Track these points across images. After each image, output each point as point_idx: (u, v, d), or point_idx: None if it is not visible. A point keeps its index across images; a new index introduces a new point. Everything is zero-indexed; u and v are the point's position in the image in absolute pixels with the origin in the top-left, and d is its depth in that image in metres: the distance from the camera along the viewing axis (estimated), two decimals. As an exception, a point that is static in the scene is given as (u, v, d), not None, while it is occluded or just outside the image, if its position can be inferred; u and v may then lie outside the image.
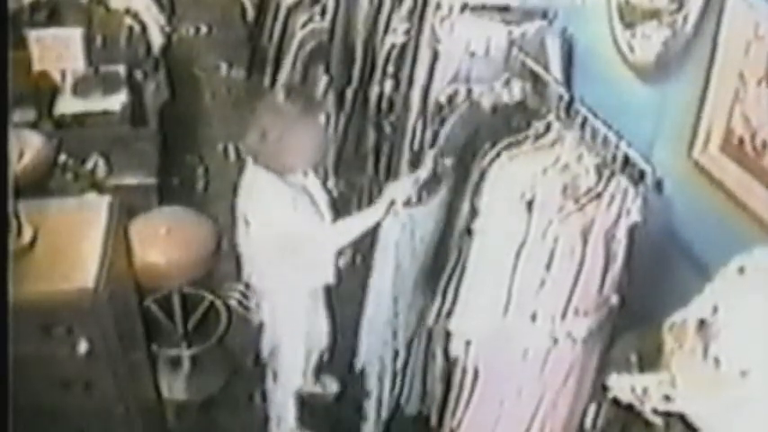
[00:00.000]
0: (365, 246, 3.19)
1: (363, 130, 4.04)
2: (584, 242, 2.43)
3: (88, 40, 4.28)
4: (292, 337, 3.24)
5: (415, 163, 3.25)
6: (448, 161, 2.93)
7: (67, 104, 4.38)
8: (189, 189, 4.92)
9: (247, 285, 3.26)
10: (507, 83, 2.97)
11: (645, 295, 2.49)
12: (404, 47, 3.58)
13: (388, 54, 3.67)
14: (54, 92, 4.41)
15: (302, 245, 2.94)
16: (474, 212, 2.64)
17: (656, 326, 1.93)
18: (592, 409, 2.47)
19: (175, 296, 3.71)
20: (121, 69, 4.56)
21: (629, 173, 2.44)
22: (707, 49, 2.30)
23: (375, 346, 3.23)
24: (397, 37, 3.60)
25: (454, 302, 2.73)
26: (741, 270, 1.79)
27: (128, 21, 4.61)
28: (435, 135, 3.09)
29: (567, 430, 2.76)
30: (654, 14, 2.54)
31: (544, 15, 3.14)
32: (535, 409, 2.73)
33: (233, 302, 4.04)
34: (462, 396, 2.79)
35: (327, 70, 4.23)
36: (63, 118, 4.34)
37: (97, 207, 2.69)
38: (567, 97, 2.68)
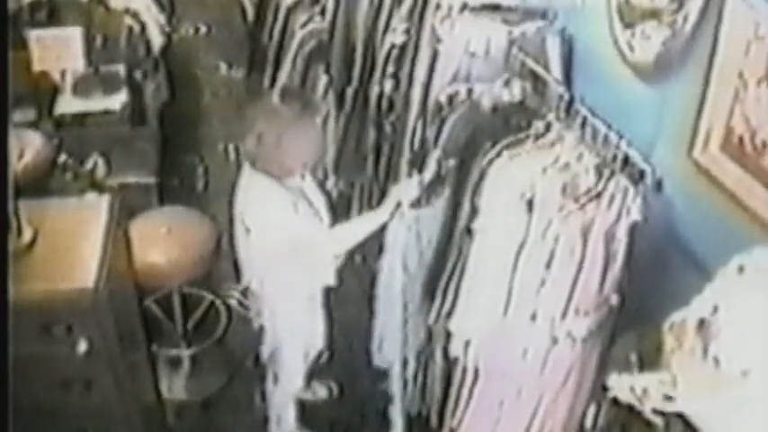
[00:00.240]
0: (365, 246, 3.18)
1: (363, 129, 4.04)
2: (585, 242, 2.43)
3: (88, 40, 4.28)
4: (292, 340, 3.24)
5: (416, 163, 3.24)
6: (452, 162, 2.93)
7: (67, 104, 4.38)
8: (189, 189, 4.91)
9: (247, 289, 3.25)
10: (507, 83, 2.97)
11: (645, 295, 2.49)
12: (404, 47, 3.57)
13: (388, 54, 3.67)
14: (54, 92, 4.40)
15: (304, 249, 2.93)
16: (474, 212, 2.64)
17: (656, 325, 1.93)
18: (592, 408, 2.48)
19: (175, 296, 3.71)
20: (121, 69, 4.55)
21: (629, 172, 2.44)
22: (707, 49, 2.30)
23: (390, 352, 3.23)
24: (397, 37, 3.60)
25: (454, 302, 2.73)
26: (741, 270, 1.79)
27: (128, 21, 4.60)
28: (435, 135, 3.09)
29: (567, 430, 2.76)
30: (654, 14, 2.54)
31: (544, 15, 3.14)
32: (535, 408, 2.73)
33: (233, 302, 4.04)
34: (462, 396, 2.79)
35: (327, 70, 4.23)
36: (63, 118, 4.33)
37: (97, 207, 2.69)
38: (567, 97, 2.68)
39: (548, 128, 2.64)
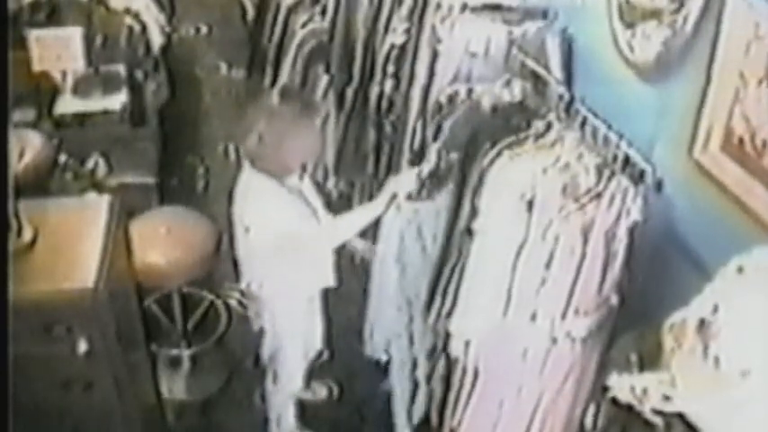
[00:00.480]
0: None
1: (363, 129, 4.04)
2: (585, 242, 2.43)
3: (88, 40, 4.28)
4: (292, 342, 3.24)
5: (416, 162, 3.24)
6: (453, 155, 2.93)
7: (67, 104, 4.38)
8: (189, 189, 4.92)
9: (247, 289, 3.25)
10: (507, 83, 2.97)
11: (645, 295, 2.49)
12: (404, 46, 3.57)
13: (388, 54, 3.67)
14: (54, 92, 4.41)
15: (302, 245, 2.93)
16: (474, 212, 2.64)
17: (655, 326, 1.93)
18: (591, 408, 2.47)
19: (175, 296, 3.71)
20: (121, 69, 4.56)
21: (629, 172, 2.44)
22: (707, 49, 2.30)
23: (381, 341, 3.20)
24: (397, 37, 3.60)
25: (454, 302, 2.73)
26: (741, 270, 1.79)
27: (128, 21, 4.61)
28: (435, 135, 3.09)
29: (567, 430, 2.76)
30: (654, 14, 2.54)
31: (544, 15, 3.14)
32: (535, 408, 2.73)
33: (233, 302, 4.04)
34: (462, 396, 2.79)
35: (327, 70, 4.23)
36: (63, 118, 4.34)
37: (97, 207, 2.69)
38: (567, 97, 2.68)
39: (548, 128, 2.64)
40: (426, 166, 2.98)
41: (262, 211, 2.92)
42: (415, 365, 3.19)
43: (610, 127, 2.50)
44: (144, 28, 4.69)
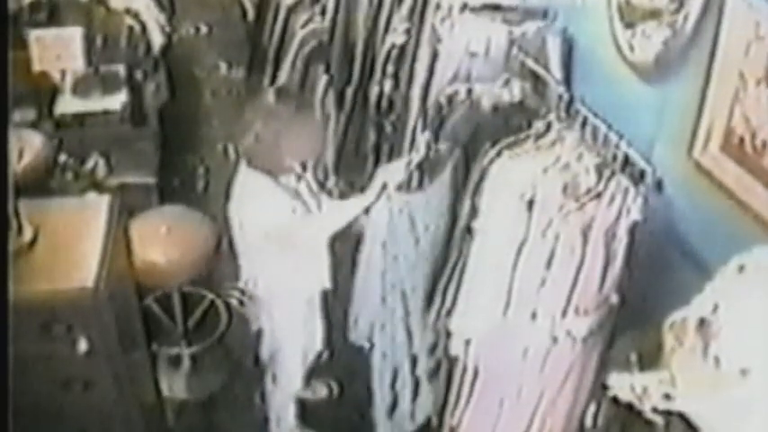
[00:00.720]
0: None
1: (363, 129, 4.04)
2: (585, 241, 2.44)
3: (88, 40, 4.28)
4: (291, 343, 3.24)
5: (424, 164, 3.24)
6: (443, 146, 2.92)
7: (67, 104, 4.38)
8: (189, 189, 4.91)
9: (245, 290, 3.25)
10: (507, 83, 2.97)
11: (645, 294, 2.49)
12: (404, 46, 3.58)
13: (388, 54, 3.67)
14: (54, 92, 4.40)
15: (293, 239, 2.92)
16: (474, 212, 2.64)
17: (656, 325, 1.93)
18: (592, 408, 2.47)
19: (175, 295, 3.71)
20: (121, 69, 4.55)
21: (629, 172, 2.44)
22: (707, 49, 2.30)
23: (366, 329, 3.17)
24: (397, 36, 3.60)
25: (454, 302, 2.73)
26: (741, 269, 1.79)
27: (128, 21, 4.60)
28: (435, 134, 3.09)
29: (567, 429, 2.76)
30: (654, 14, 2.54)
31: (544, 15, 3.14)
32: (535, 407, 2.73)
33: (233, 302, 4.03)
34: (462, 395, 2.79)
35: (327, 70, 4.23)
36: (63, 118, 4.33)
37: (97, 207, 2.69)
38: (566, 97, 2.68)
39: (548, 128, 2.64)
40: (416, 156, 2.97)
41: (254, 207, 2.93)
42: (414, 363, 3.17)
43: (610, 127, 2.50)
44: (144, 28, 4.69)
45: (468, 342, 2.70)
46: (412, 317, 3.07)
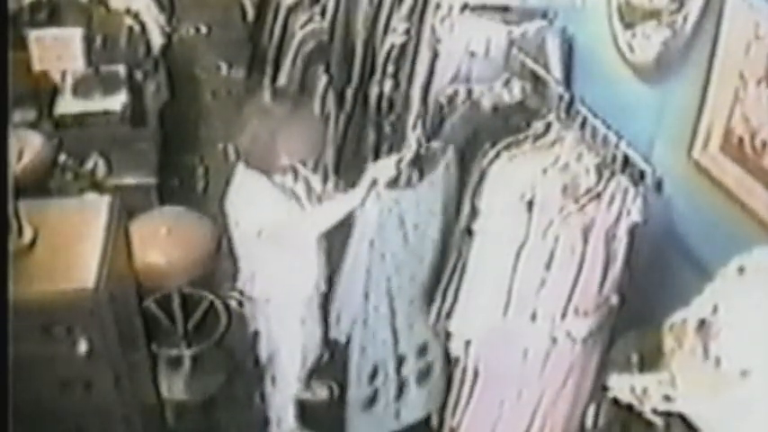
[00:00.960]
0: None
1: (363, 130, 4.04)
2: (585, 242, 2.44)
3: (88, 40, 4.27)
4: (289, 345, 3.23)
5: (415, 162, 3.24)
6: (435, 144, 2.90)
7: (67, 104, 4.38)
8: (189, 189, 4.91)
9: (243, 290, 3.25)
10: (507, 83, 2.97)
11: (645, 295, 2.49)
12: (404, 47, 3.58)
13: (388, 54, 3.67)
14: (54, 92, 4.40)
15: (285, 237, 2.92)
16: (474, 212, 2.64)
17: (656, 326, 1.93)
18: (592, 408, 2.48)
19: (175, 296, 3.71)
20: (121, 69, 4.55)
21: (629, 173, 2.44)
22: (707, 49, 2.30)
23: (347, 325, 3.13)
24: (397, 37, 3.60)
25: (454, 302, 2.73)
26: (741, 270, 1.79)
27: (128, 21, 4.60)
28: (435, 135, 3.09)
29: (567, 430, 2.76)
30: (654, 14, 2.54)
31: (544, 15, 3.14)
32: (535, 408, 2.73)
33: (233, 302, 4.03)
34: (462, 396, 2.79)
35: (327, 70, 4.23)
36: (63, 118, 4.33)
37: (97, 207, 2.69)
38: (567, 97, 2.68)
39: (548, 128, 2.64)
40: (407, 153, 2.95)
41: (248, 205, 2.92)
42: (401, 363, 3.15)
43: (609, 127, 2.50)
44: (144, 28, 4.69)
45: (468, 343, 2.70)
46: (398, 317, 3.03)
